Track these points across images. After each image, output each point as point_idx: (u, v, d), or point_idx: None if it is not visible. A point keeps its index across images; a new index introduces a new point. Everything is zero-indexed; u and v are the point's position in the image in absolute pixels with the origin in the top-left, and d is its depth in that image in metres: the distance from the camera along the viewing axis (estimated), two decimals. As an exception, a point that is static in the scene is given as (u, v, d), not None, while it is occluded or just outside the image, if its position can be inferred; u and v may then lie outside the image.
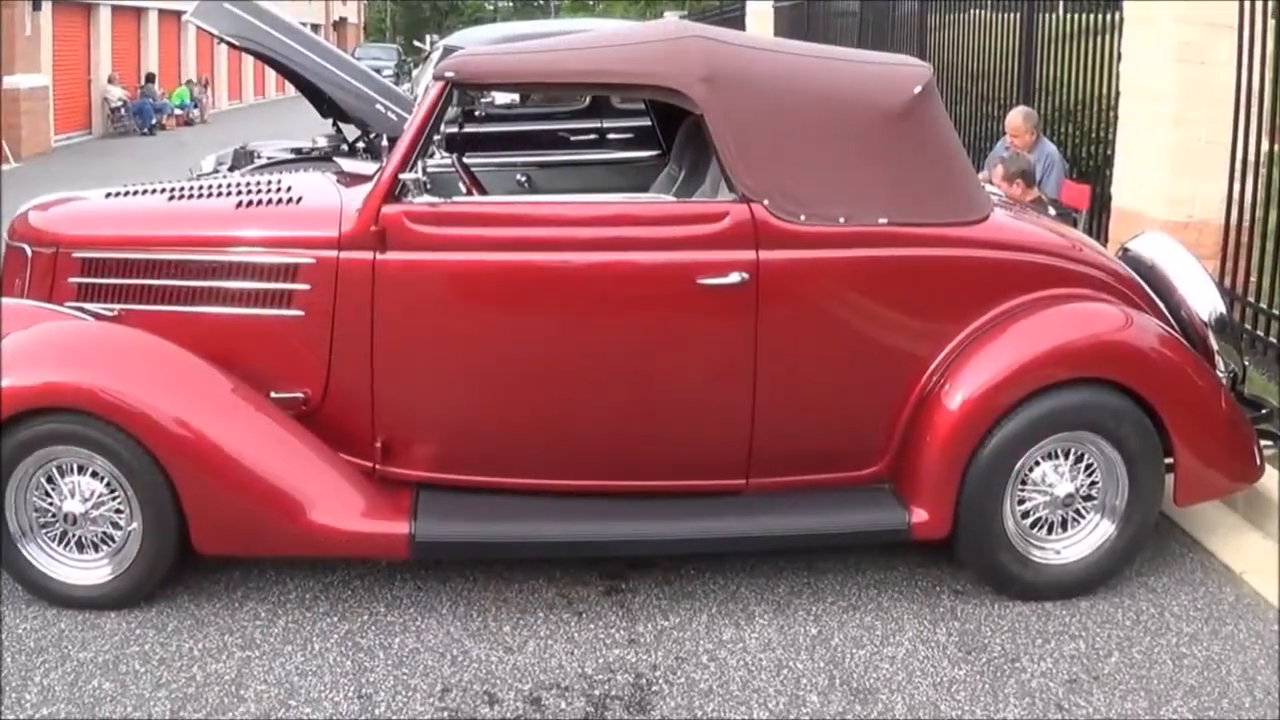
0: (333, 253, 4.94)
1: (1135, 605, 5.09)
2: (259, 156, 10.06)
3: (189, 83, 35.67)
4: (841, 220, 4.90)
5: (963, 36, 12.90)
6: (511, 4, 78.33)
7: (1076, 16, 10.25)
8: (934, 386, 5.01)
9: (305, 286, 4.97)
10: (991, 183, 7.43)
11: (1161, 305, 5.43)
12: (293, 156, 9.91)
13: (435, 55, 10.39)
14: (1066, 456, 5.08)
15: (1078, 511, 5.12)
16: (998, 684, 4.52)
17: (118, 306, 5.15)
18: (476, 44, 9.60)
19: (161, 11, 33.88)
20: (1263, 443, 5.44)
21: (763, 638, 4.82)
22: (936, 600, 5.12)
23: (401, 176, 4.89)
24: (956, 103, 12.48)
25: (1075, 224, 7.78)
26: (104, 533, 4.88)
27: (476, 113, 8.84)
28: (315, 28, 45.08)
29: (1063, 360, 4.99)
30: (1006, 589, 5.11)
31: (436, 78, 5.01)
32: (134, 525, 4.83)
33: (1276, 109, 7.31)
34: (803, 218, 4.88)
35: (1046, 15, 10.85)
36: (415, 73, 13.73)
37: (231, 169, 9.69)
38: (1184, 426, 5.08)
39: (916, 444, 5.01)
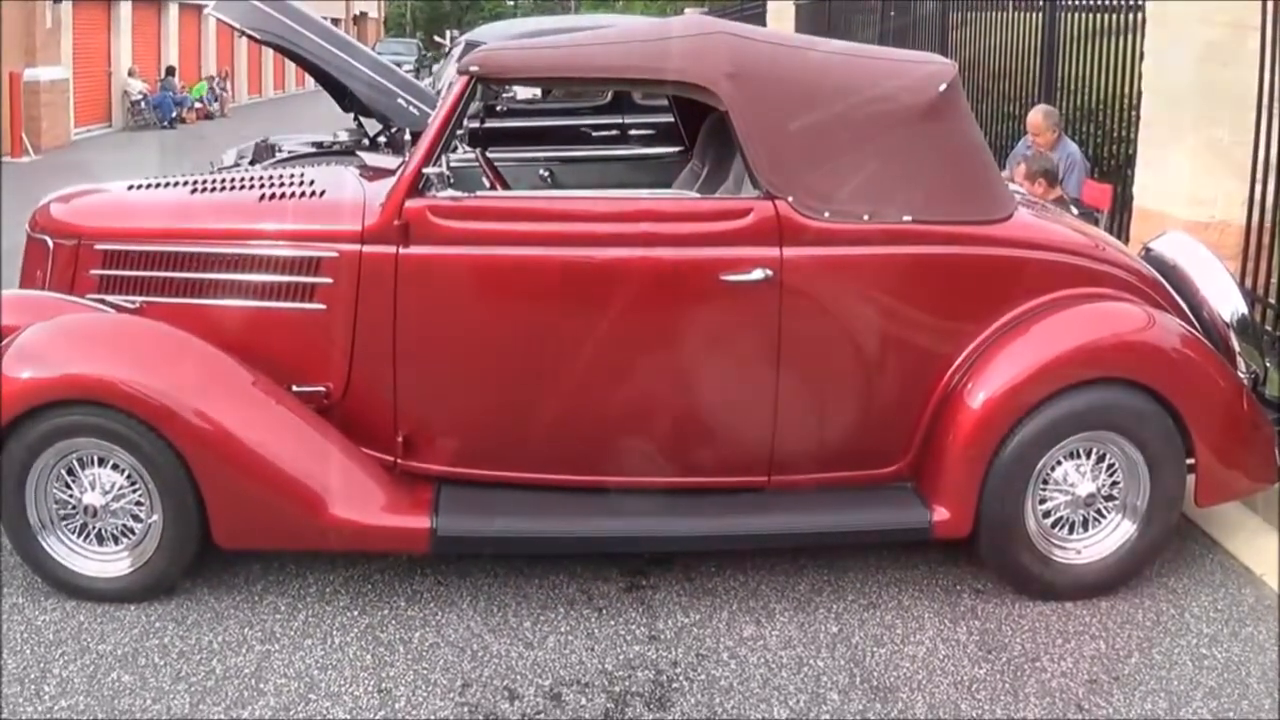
0: (356, 246, 4.94)
1: (1155, 606, 5.07)
2: (280, 150, 10.07)
3: (209, 78, 35.71)
4: (865, 218, 4.89)
5: (984, 35, 12.86)
6: (531, 0, 78.36)
7: (1099, 16, 10.21)
8: (956, 385, 5.00)
9: (328, 280, 4.97)
10: (1014, 181, 7.41)
11: (1184, 305, 5.41)
12: (314, 150, 9.92)
13: (456, 50, 10.38)
14: (1088, 456, 5.06)
15: (1099, 511, 5.11)
16: (1018, 683, 4.51)
17: (139, 299, 5.15)
18: (499, 39, 9.60)
19: (182, 5, 33.94)
20: (1284, 445, 5.44)
21: (783, 635, 4.82)
22: (957, 599, 5.11)
23: (425, 171, 4.90)
24: (978, 101, 12.45)
25: (1097, 223, 7.76)
26: (124, 525, 4.88)
27: (498, 108, 8.83)
28: (335, 22, 45.08)
29: (1085, 360, 4.97)
30: (1027, 588, 5.10)
31: (461, 72, 5.00)
32: (154, 518, 4.83)
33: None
34: (827, 215, 4.87)
35: (1069, 15, 10.81)
36: (436, 68, 13.73)
37: (252, 163, 9.70)
38: (1205, 427, 5.06)
39: (938, 442, 5.00)
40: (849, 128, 5.04)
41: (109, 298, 5.17)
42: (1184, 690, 4.53)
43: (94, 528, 4.88)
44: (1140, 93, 8.87)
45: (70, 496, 4.86)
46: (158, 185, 5.60)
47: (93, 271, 5.23)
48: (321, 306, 4.98)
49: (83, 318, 5.07)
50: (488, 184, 6.02)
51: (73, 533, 4.91)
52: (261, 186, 5.37)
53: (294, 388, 4.98)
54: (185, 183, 5.55)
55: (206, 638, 4.72)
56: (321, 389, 5.01)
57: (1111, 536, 5.12)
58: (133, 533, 4.88)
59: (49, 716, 4.27)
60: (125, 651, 4.61)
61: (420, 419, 5.02)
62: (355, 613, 4.93)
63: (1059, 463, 5.05)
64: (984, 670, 4.60)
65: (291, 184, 5.32)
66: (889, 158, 5.03)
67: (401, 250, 4.89)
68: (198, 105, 33.65)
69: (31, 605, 4.89)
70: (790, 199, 4.85)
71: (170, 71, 32.38)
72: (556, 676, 4.52)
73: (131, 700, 4.35)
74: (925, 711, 4.35)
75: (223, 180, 5.59)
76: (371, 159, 7.14)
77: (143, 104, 30.24)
